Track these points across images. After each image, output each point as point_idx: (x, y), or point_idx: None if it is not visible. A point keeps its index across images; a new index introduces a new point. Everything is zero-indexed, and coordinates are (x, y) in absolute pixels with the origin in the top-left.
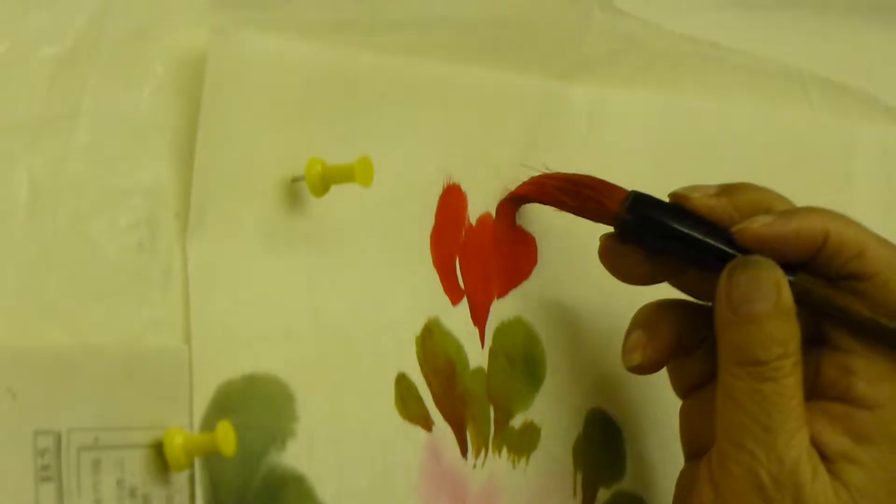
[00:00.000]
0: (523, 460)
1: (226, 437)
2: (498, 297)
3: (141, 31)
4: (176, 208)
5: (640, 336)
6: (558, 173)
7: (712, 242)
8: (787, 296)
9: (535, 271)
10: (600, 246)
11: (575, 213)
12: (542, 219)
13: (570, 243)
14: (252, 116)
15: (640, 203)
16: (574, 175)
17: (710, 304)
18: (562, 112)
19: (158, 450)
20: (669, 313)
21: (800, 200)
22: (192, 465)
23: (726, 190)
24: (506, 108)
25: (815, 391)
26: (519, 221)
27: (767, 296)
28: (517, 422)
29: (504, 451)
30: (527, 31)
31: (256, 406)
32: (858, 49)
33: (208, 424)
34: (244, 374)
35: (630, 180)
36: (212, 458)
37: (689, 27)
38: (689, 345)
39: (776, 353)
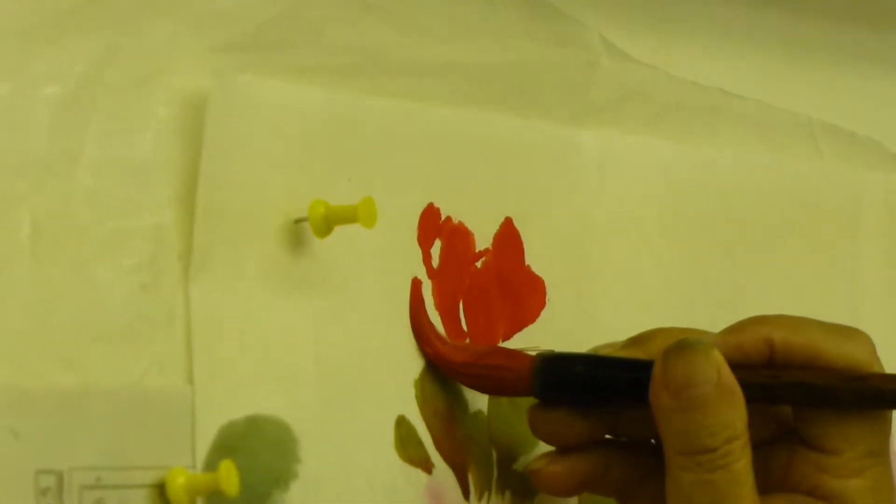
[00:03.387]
0: (527, 503)
1: (228, 476)
2: (503, 341)
3: (143, 74)
4: (179, 250)
5: (544, 458)
6: (457, 346)
7: (641, 374)
8: (728, 375)
9: (542, 314)
10: (529, 420)
11: (485, 392)
12: (552, 260)
13: (581, 287)
14: (254, 158)
15: (549, 364)
16: (483, 350)
17: (650, 441)
18: (569, 158)
19: (161, 490)
20: (591, 450)
21: (807, 247)
22: None
23: (636, 341)
24: (511, 153)
25: (786, 483)
26: (528, 261)
27: (708, 378)
28: (520, 465)
29: (507, 493)
30: (534, 76)
31: (259, 447)
32: (866, 97)
33: (211, 465)
34: (247, 416)
35: (639, 227)
36: (214, 498)
37: (697, 75)
38: (627, 484)
39: (724, 436)
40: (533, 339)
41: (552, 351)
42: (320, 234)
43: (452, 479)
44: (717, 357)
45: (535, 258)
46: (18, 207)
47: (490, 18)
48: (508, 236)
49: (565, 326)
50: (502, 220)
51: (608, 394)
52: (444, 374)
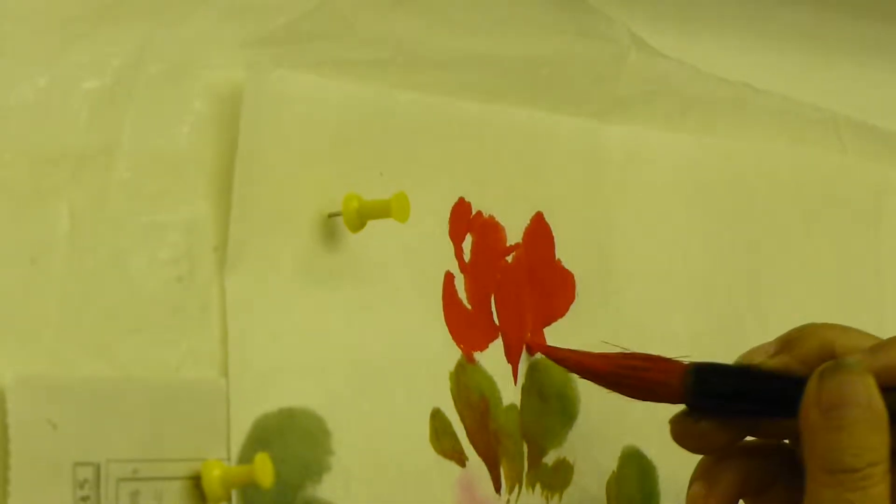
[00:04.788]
0: (556, 497)
1: (264, 468)
2: (532, 335)
3: (179, 67)
4: (214, 242)
5: (700, 488)
6: (608, 354)
7: (793, 390)
8: (878, 400)
9: (571, 309)
10: (673, 430)
11: (633, 397)
12: (578, 254)
13: (607, 281)
14: (288, 152)
15: (703, 376)
16: (626, 356)
17: (783, 442)
18: (597, 151)
19: (196, 482)
20: (732, 461)
21: (830, 241)
22: (229, 498)
23: (786, 345)
24: (539, 148)
25: None
26: (559, 255)
27: (860, 401)
28: (550, 459)
29: (537, 487)
30: (562, 70)
31: (293, 439)
32: (890, 92)
33: (245, 457)
34: (281, 408)
35: (664, 221)
36: (249, 490)
37: (723, 69)
38: (759, 487)
39: (867, 459)
40: (562, 333)
41: (705, 362)
42: (354, 229)
43: (485, 472)
44: (870, 381)
45: (562, 252)
46: (56, 199)
47: (519, 13)
48: (539, 231)
49: (593, 320)
50: (530, 214)
51: (759, 405)
52: (592, 380)
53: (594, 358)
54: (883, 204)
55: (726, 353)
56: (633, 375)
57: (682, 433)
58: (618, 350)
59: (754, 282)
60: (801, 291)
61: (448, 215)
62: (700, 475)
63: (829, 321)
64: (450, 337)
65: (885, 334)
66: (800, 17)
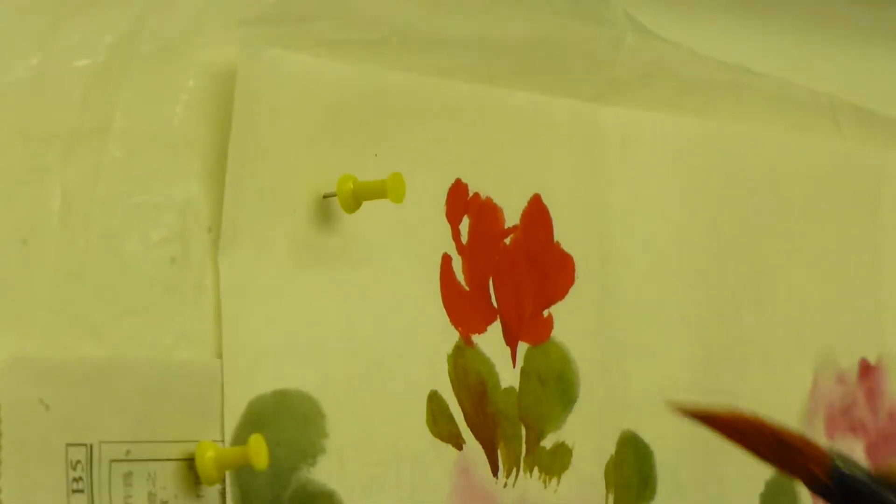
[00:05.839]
0: (554, 480)
1: (258, 450)
2: (531, 317)
3: (172, 46)
4: (208, 223)
5: None
6: (766, 425)
7: None
8: None
9: (571, 291)
10: None
11: (776, 468)
12: (576, 236)
13: (605, 264)
14: (283, 132)
15: (846, 476)
16: (783, 433)
17: None
18: (594, 133)
19: (190, 463)
20: None
21: (828, 225)
22: (223, 479)
23: None
24: (535, 130)
25: None
26: (557, 238)
27: None
28: (548, 442)
29: (535, 470)
30: (559, 52)
31: (287, 422)
32: (888, 77)
33: (240, 439)
34: (275, 390)
35: (661, 204)
36: (243, 472)
37: (720, 52)
38: None
39: None
40: (561, 316)
41: (846, 457)
42: (349, 210)
43: (482, 455)
44: None
45: (560, 234)
46: (48, 179)
47: None
48: (537, 213)
49: (591, 302)
50: (527, 196)
51: None
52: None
53: (751, 425)
54: (880, 189)
55: (722, 337)
56: (781, 451)
57: None
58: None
59: (751, 264)
60: (798, 275)
61: (445, 197)
62: None
63: (826, 304)
64: (447, 319)
65: (882, 318)
66: (798, 1)
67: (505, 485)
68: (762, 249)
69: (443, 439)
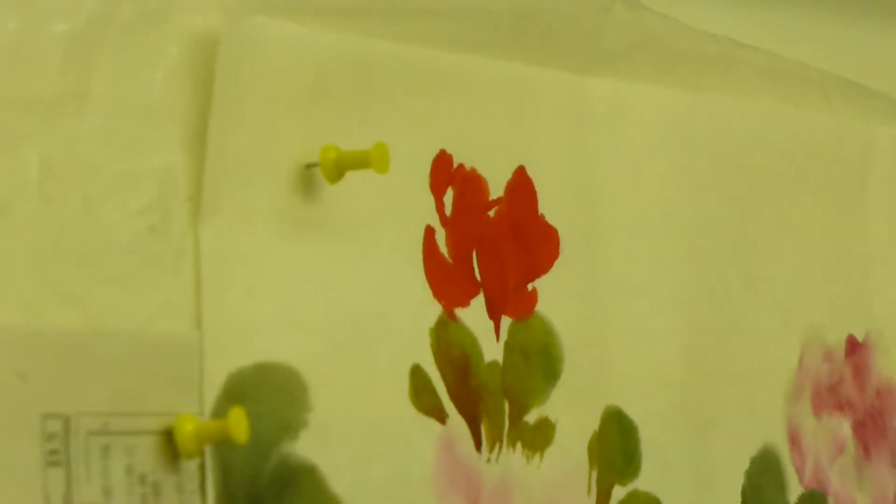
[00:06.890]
0: (537, 456)
1: (238, 423)
2: (515, 290)
3: (154, 11)
4: (188, 192)
5: None
6: None
7: None
8: None
9: (555, 265)
10: None
11: None
12: (562, 209)
13: (591, 237)
14: (266, 101)
15: None
16: None
17: None
18: (581, 105)
19: (169, 436)
20: None
21: (817, 200)
22: (202, 453)
23: None
24: (522, 100)
25: None
26: (542, 211)
27: None
28: (532, 417)
29: (518, 445)
30: (546, 23)
31: (268, 395)
32: (878, 51)
33: (219, 412)
34: (256, 363)
35: (649, 177)
36: (223, 445)
37: (710, 24)
38: None
39: None
40: (546, 289)
41: None
42: (331, 180)
43: (465, 429)
44: None
45: (546, 207)
46: (26, 145)
47: None
48: (522, 185)
49: (576, 276)
50: (512, 167)
51: None
52: None
53: None
54: (870, 164)
55: (709, 311)
56: None
57: None
58: None
59: (739, 238)
60: (787, 248)
61: (429, 167)
62: None
63: (814, 280)
64: (430, 292)
65: (870, 294)
66: None
67: (488, 460)
68: (750, 223)
69: (426, 413)
